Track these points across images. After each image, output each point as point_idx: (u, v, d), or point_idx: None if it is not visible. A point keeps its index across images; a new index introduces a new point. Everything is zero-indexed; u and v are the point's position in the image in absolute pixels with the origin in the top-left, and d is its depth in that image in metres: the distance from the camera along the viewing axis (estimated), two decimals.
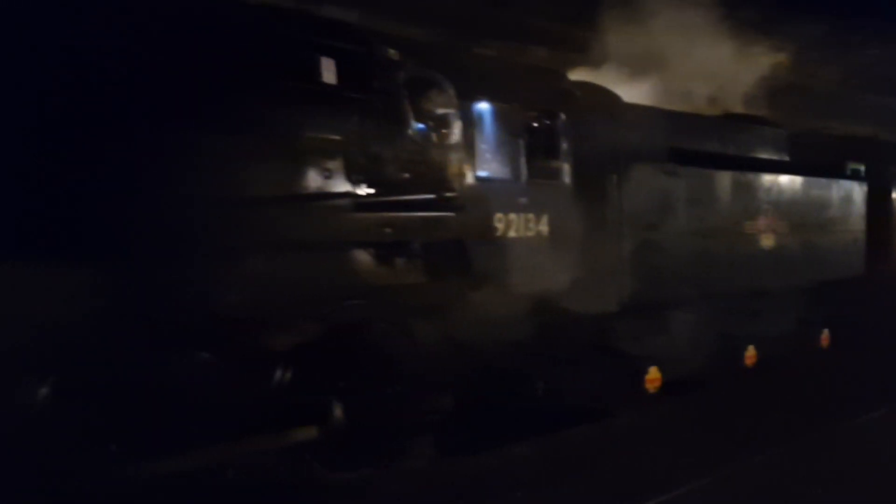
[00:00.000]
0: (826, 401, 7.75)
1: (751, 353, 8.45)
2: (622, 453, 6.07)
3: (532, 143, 5.96)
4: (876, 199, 10.30)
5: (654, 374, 7.13)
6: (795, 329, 8.86)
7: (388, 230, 4.93)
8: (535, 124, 6.08)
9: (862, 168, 10.33)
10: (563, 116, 6.29)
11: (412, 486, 5.28)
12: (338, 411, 5.01)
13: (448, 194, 5.24)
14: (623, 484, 5.40)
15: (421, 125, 5.21)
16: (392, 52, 5.16)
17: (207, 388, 4.02)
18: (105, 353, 3.56)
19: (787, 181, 8.84)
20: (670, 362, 7.21)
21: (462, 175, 5.38)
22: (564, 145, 6.23)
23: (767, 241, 8.38)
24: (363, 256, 4.92)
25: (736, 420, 6.94)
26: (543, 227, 5.94)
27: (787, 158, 9.42)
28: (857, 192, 10.01)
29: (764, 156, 9.08)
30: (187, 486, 3.97)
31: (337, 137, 4.79)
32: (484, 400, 5.80)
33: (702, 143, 8.09)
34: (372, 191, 4.89)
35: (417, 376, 5.33)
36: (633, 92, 7.90)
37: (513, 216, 5.69)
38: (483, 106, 5.66)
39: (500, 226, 5.61)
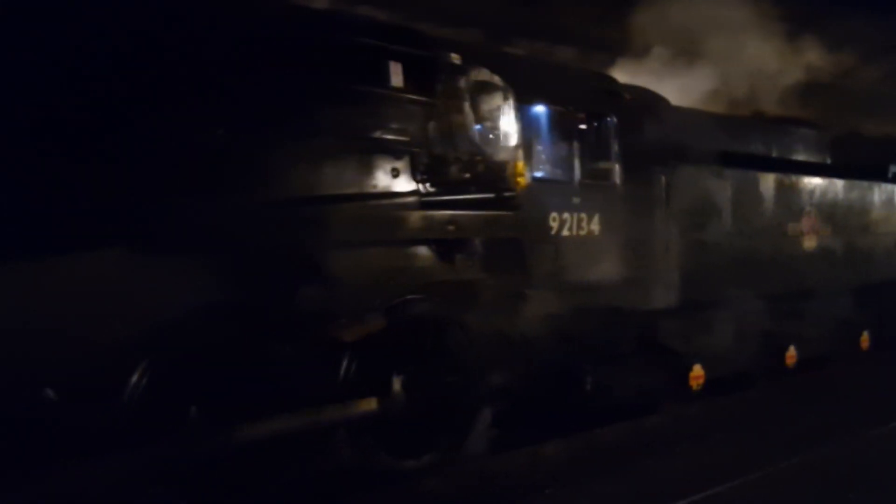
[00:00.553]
0: (864, 403, 7.82)
1: (791, 354, 8.57)
2: (661, 450, 6.20)
3: (584, 145, 6.16)
4: None
5: (697, 372, 7.28)
6: (836, 330, 8.95)
7: (450, 227, 5.15)
8: (588, 126, 6.27)
9: None
10: (613, 119, 6.48)
11: (463, 477, 5.49)
12: (400, 398, 5.24)
13: (506, 194, 5.45)
14: (658, 482, 5.51)
15: (481, 127, 5.43)
16: (454, 57, 5.37)
17: (288, 372, 4.30)
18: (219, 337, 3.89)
19: (830, 183, 8.93)
20: (713, 360, 7.36)
21: (519, 175, 5.58)
22: (615, 147, 6.41)
23: (810, 243, 8.49)
24: (427, 252, 5.15)
25: (775, 420, 7.07)
26: (595, 227, 6.13)
27: (830, 160, 9.49)
28: None
29: (807, 158, 9.17)
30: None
31: (403, 138, 5.02)
32: (534, 394, 6.00)
33: (747, 145, 8.22)
34: (435, 190, 5.12)
35: (473, 369, 5.54)
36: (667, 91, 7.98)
37: (566, 215, 5.89)
38: (539, 109, 5.87)
39: (554, 225, 5.81)
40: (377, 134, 4.91)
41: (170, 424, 3.89)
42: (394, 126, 5.00)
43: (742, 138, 8.23)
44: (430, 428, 5.35)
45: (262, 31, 4.43)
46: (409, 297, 5.11)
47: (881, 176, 10.00)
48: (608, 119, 6.44)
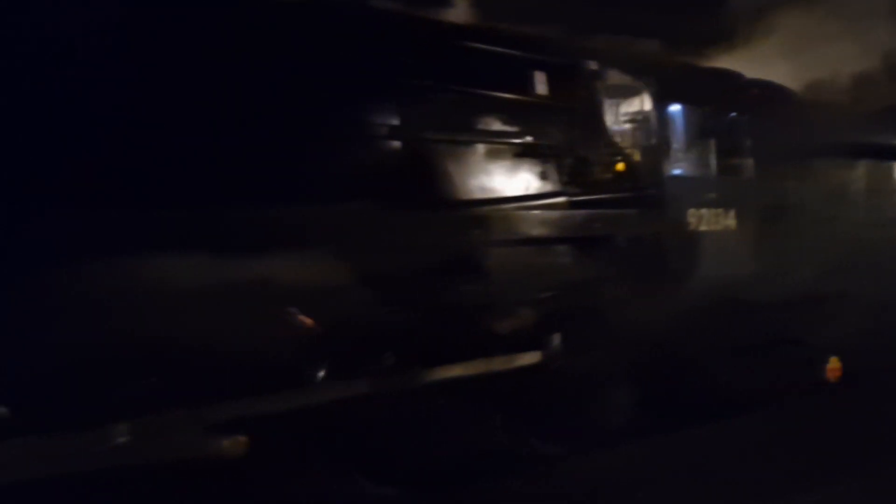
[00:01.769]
0: None
1: None
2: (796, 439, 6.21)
3: (718, 141, 6.31)
4: None
5: (834, 364, 7.26)
6: None
7: (596, 225, 5.43)
8: (721, 123, 6.42)
9: None
10: (744, 115, 6.60)
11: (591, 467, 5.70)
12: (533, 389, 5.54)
13: (647, 192, 5.69)
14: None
15: (621, 129, 5.69)
16: (593, 64, 5.65)
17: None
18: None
19: None
20: (850, 352, 7.31)
21: (659, 173, 5.81)
22: (747, 142, 6.53)
23: None
24: (574, 249, 5.44)
25: None
26: (731, 221, 6.27)
27: None
28: None
29: None
30: None
31: (549, 143, 5.33)
32: (671, 386, 6.17)
33: (877, 135, 8.10)
34: (580, 190, 5.41)
35: (615, 360, 5.79)
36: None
37: (704, 211, 6.07)
38: (674, 108, 6.07)
39: (692, 220, 6.00)
40: (526, 139, 5.24)
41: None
42: (540, 131, 5.32)
43: (872, 129, 8.12)
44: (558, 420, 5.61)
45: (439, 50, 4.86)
46: (557, 291, 5.42)
47: None
48: (739, 115, 6.56)
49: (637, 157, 5.70)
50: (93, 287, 3.03)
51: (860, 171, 7.66)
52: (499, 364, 5.31)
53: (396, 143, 4.49)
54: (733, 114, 6.58)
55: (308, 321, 4.05)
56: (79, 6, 3.22)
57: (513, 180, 5.07)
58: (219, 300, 3.35)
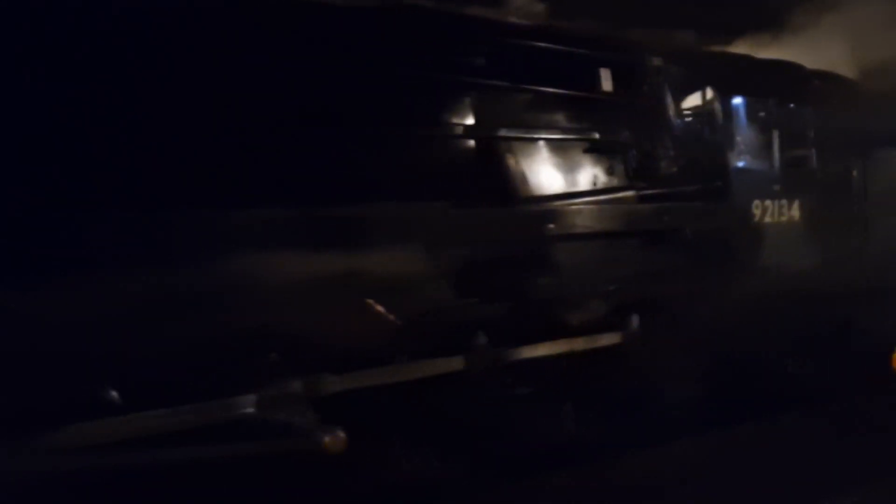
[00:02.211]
0: None
1: None
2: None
3: (782, 133, 6.33)
4: None
5: None
6: None
7: (664, 219, 5.52)
8: (783, 115, 6.44)
9: None
10: (807, 106, 6.61)
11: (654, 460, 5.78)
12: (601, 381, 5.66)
13: (712, 184, 5.75)
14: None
15: (686, 123, 5.76)
16: (657, 60, 5.73)
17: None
18: None
19: None
20: None
21: (723, 166, 5.87)
22: (811, 133, 6.54)
23: None
24: (642, 243, 5.54)
25: None
26: (795, 213, 6.29)
27: None
28: None
29: None
30: None
31: (616, 138, 5.43)
32: (737, 379, 6.22)
33: None
34: (646, 184, 5.51)
35: (682, 353, 5.86)
36: None
37: (768, 203, 6.11)
38: (737, 101, 6.11)
39: (757, 212, 6.05)
40: (592, 135, 5.36)
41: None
42: (607, 127, 5.43)
43: None
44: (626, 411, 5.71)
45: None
46: (624, 284, 5.52)
47: None
48: (802, 106, 6.57)
49: (702, 150, 5.76)
50: (213, 280, 3.27)
51: None
52: (567, 356, 5.45)
53: (475, 142, 4.65)
54: (796, 105, 6.59)
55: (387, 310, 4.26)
56: None
57: (583, 176, 5.19)
58: (322, 291, 3.58)
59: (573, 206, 5.10)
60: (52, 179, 3.18)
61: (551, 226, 4.98)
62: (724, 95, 5.96)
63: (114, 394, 3.49)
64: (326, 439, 3.80)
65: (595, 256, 5.32)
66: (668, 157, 5.55)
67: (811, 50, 8.23)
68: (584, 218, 5.15)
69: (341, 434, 3.83)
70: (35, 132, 3.19)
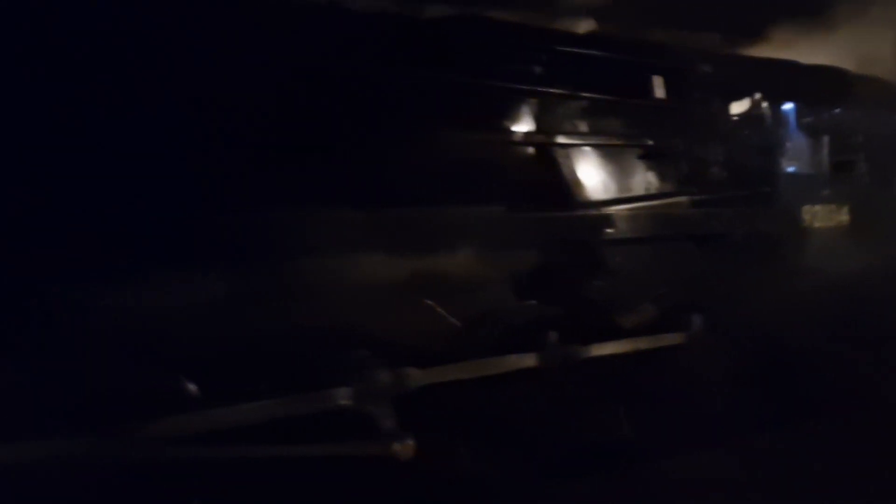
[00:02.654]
0: None
1: None
2: None
3: (829, 137, 6.40)
4: None
5: None
6: None
7: (713, 223, 5.62)
8: (830, 120, 6.50)
9: None
10: (852, 110, 6.66)
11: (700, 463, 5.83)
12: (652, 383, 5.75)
13: (762, 189, 5.84)
14: None
15: (735, 128, 5.85)
16: (706, 67, 5.83)
17: None
18: None
19: None
20: None
21: (773, 171, 5.95)
22: (858, 137, 6.60)
23: None
24: (692, 247, 5.64)
25: None
26: (844, 217, 6.34)
27: None
28: None
29: None
30: None
31: (668, 144, 5.55)
32: (786, 383, 6.27)
33: None
34: (697, 189, 5.61)
35: (732, 356, 5.94)
36: None
37: (818, 207, 6.17)
38: (785, 106, 6.19)
39: (807, 217, 6.11)
40: (646, 141, 5.48)
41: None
42: (658, 133, 5.55)
43: None
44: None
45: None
46: (675, 289, 5.63)
47: None
48: (848, 110, 6.63)
49: (751, 155, 5.85)
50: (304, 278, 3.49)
51: None
52: (616, 357, 5.56)
53: (534, 148, 4.81)
54: (842, 110, 6.65)
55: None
56: None
57: (635, 181, 5.31)
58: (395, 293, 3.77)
59: (624, 211, 5.23)
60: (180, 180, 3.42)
61: (603, 230, 5.13)
62: (772, 100, 6.04)
63: (195, 387, 3.69)
64: (396, 446, 3.97)
65: (649, 259, 5.44)
66: (717, 162, 5.65)
67: (854, 48, 8.20)
68: (633, 222, 5.27)
69: (410, 442, 3.99)
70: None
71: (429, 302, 4.49)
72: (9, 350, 3.27)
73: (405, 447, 4.02)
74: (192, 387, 3.55)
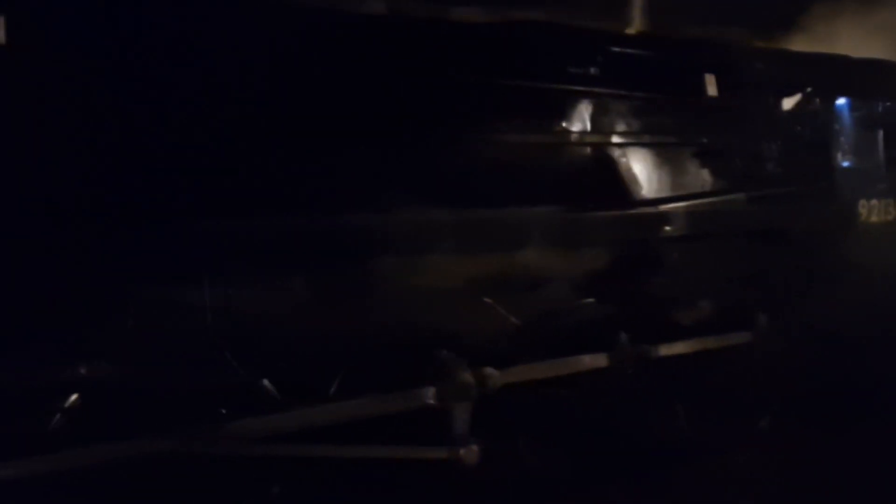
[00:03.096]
0: None
1: None
2: None
3: (885, 132, 6.36)
4: None
5: None
6: None
7: (770, 220, 5.62)
8: (884, 114, 6.46)
9: None
10: None
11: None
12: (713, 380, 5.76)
13: (818, 185, 5.82)
14: None
15: (789, 126, 5.84)
16: (760, 65, 5.83)
17: None
18: None
19: None
20: None
21: (829, 167, 5.93)
22: None
23: None
24: (750, 244, 5.64)
25: None
26: None
27: None
28: None
29: None
30: None
31: (723, 141, 5.56)
32: (846, 381, 6.24)
33: None
34: (754, 186, 5.61)
35: (792, 353, 5.93)
36: None
37: (874, 202, 6.13)
38: (840, 102, 6.17)
39: (863, 212, 6.08)
40: (699, 139, 5.49)
41: None
42: (712, 131, 5.56)
43: None
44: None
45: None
46: (728, 286, 5.63)
47: None
48: None
49: (806, 152, 5.84)
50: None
51: None
52: (677, 355, 5.58)
53: (593, 149, 4.86)
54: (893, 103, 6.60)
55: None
56: None
57: (693, 179, 5.33)
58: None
59: (682, 208, 5.25)
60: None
61: (663, 227, 5.16)
62: (825, 96, 6.02)
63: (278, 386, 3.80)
64: (461, 451, 4.04)
65: (709, 257, 5.45)
66: (771, 159, 5.66)
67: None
68: (692, 219, 5.29)
69: (475, 447, 4.06)
70: None
71: (489, 300, 4.56)
72: (100, 349, 3.38)
73: (469, 453, 4.09)
74: (275, 386, 3.66)
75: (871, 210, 6.12)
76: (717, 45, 5.80)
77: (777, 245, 5.73)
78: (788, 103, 5.88)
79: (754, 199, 5.57)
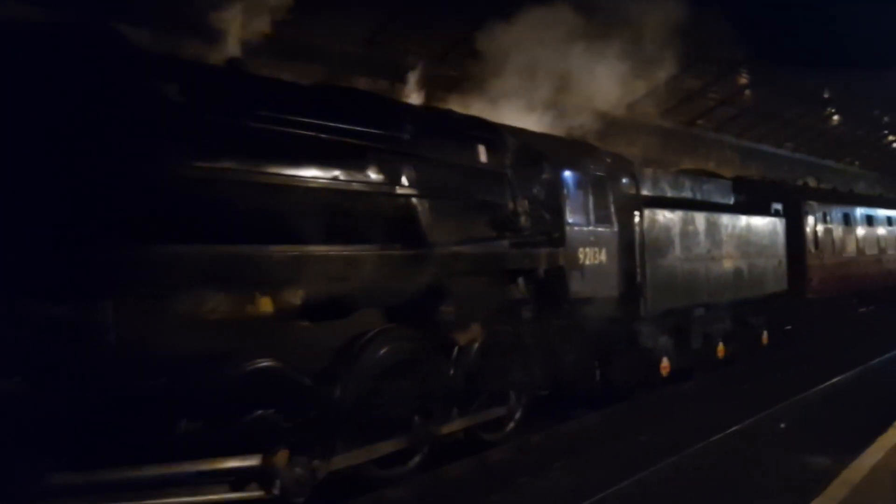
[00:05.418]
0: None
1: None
2: None
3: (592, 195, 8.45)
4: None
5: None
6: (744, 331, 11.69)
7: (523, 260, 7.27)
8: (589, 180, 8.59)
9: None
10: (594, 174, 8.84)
11: None
12: None
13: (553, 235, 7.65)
14: None
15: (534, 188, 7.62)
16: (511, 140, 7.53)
17: None
18: None
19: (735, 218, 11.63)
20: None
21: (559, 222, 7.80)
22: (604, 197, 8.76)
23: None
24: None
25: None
26: (603, 257, 8.39)
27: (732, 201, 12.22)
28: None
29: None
30: None
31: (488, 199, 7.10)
32: None
33: None
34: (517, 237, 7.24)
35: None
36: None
37: (588, 249, 8.13)
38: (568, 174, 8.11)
39: (581, 256, 8.03)
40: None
41: None
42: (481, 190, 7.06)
43: None
44: None
45: None
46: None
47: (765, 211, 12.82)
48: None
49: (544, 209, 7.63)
50: None
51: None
52: None
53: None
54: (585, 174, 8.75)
55: None
56: None
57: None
58: None
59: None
60: None
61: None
62: (557, 166, 7.93)
63: None
64: None
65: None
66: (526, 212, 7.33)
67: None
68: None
69: None
70: None
71: None
72: None
73: None
74: None
75: (586, 255, 8.13)
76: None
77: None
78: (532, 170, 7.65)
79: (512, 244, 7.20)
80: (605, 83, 9.54)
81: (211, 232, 4.54)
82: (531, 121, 8.92)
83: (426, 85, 8.80)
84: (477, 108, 8.57)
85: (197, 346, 4.51)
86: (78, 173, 3.86)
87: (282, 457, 4.73)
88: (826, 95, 23.44)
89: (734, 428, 7.84)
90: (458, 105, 8.40)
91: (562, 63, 9.29)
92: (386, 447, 5.98)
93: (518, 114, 8.85)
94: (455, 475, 6.65)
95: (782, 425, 8.37)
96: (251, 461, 4.64)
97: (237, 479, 4.57)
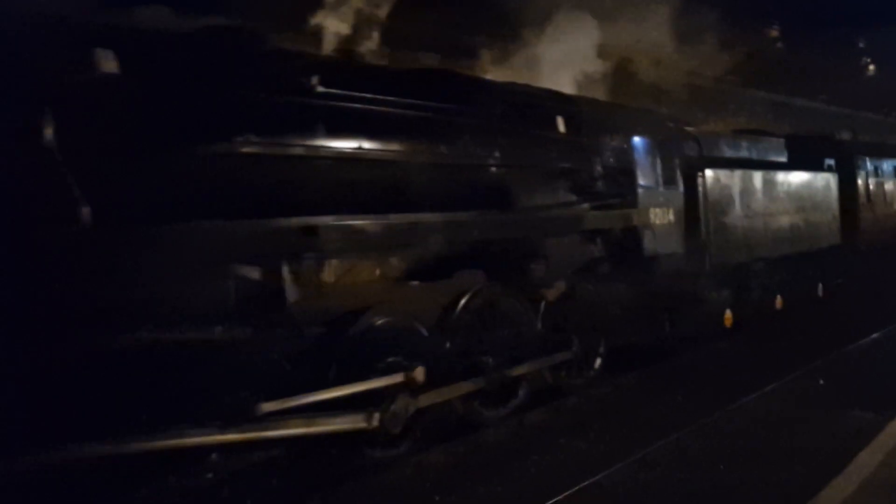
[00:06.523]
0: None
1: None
2: None
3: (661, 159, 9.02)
4: None
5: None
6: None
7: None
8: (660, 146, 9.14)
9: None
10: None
11: None
12: None
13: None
14: None
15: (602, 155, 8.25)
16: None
17: None
18: None
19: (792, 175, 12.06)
20: None
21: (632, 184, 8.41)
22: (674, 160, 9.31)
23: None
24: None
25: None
26: (671, 217, 8.99)
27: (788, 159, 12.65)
28: None
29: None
30: None
31: (568, 165, 7.73)
32: None
33: None
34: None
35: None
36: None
37: (658, 210, 8.73)
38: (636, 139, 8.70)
39: (651, 216, 8.64)
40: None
41: None
42: (562, 158, 7.69)
43: None
44: None
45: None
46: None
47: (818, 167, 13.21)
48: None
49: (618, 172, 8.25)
50: None
51: None
52: None
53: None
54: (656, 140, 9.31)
55: None
56: None
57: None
58: None
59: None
60: None
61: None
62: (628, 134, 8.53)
63: None
64: None
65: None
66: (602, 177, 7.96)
67: None
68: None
69: None
70: None
71: None
72: None
73: None
74: None
75: (655, 215, 8.74)
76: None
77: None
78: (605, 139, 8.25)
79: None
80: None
81: (351, 204, 5.31)
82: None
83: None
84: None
85: (341, 304, 5.34)
86: (258, 158, 4.67)
87: (419, 373, 5.47)
88: (861, 45, 23.23)
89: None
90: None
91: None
92: (467, 387, 6.53)
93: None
94: (536, 420, 7.39)
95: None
96: (396, 378, 5.42)
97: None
